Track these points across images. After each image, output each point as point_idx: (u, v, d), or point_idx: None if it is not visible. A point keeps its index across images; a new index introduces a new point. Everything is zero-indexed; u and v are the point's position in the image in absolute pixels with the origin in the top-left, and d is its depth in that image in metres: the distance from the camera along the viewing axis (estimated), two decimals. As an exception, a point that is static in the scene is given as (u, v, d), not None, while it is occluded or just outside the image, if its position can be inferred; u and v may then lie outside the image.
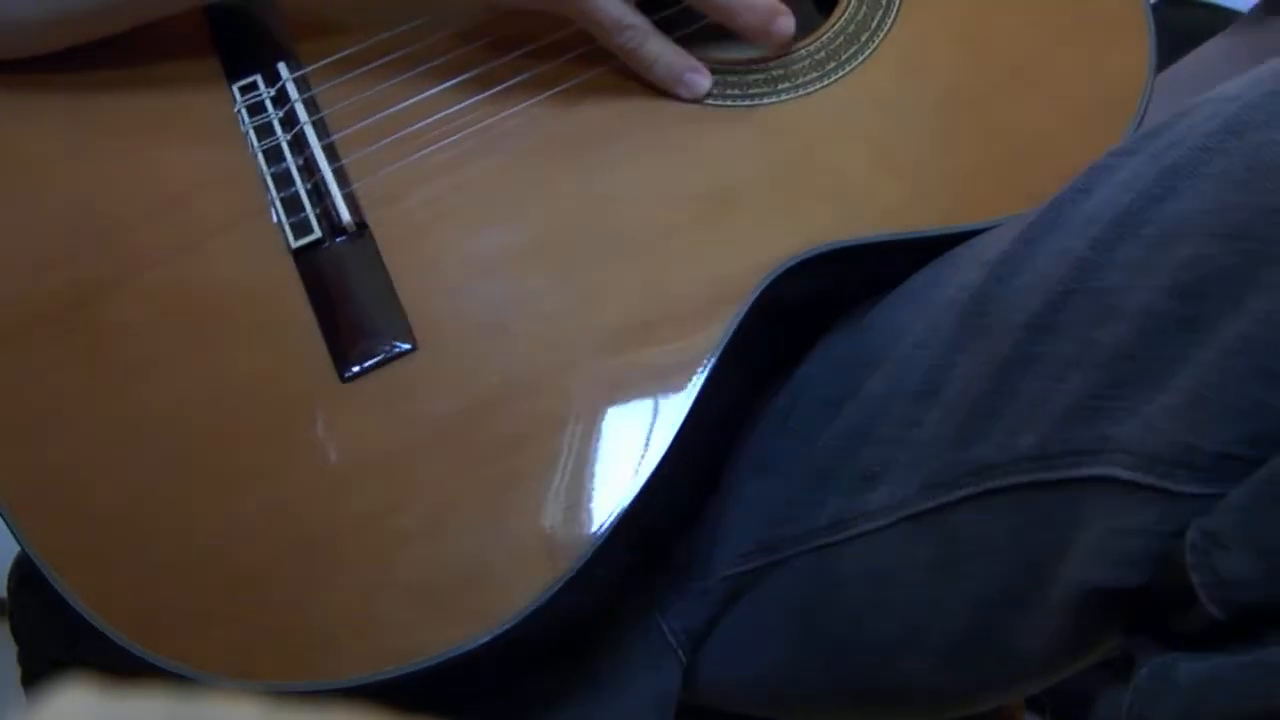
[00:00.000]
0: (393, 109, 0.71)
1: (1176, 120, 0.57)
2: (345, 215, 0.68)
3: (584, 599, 0.63)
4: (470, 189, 0.69)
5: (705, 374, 0.64)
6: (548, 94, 0.71)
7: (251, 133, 0.71)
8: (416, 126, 0.70)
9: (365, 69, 0.72)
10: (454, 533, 0.62)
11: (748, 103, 0.71)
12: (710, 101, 0.71)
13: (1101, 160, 0.59)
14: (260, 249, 0.68)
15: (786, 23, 0.70)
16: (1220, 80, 0.57)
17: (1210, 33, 0.86)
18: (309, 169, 0.69)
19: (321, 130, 0.70)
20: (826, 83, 0.71)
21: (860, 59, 0.72)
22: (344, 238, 0.68)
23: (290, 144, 0.70)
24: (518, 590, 0.60)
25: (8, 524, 0.63)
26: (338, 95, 0.71)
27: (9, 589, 0.77)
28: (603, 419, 0.63)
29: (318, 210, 0.68)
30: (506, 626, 0.59)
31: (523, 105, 0.71)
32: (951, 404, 0.61)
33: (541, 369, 0.64)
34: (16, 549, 0.68)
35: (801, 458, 0.68)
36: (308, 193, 0.69)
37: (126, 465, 0.64)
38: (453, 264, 0.68)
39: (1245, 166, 0.52)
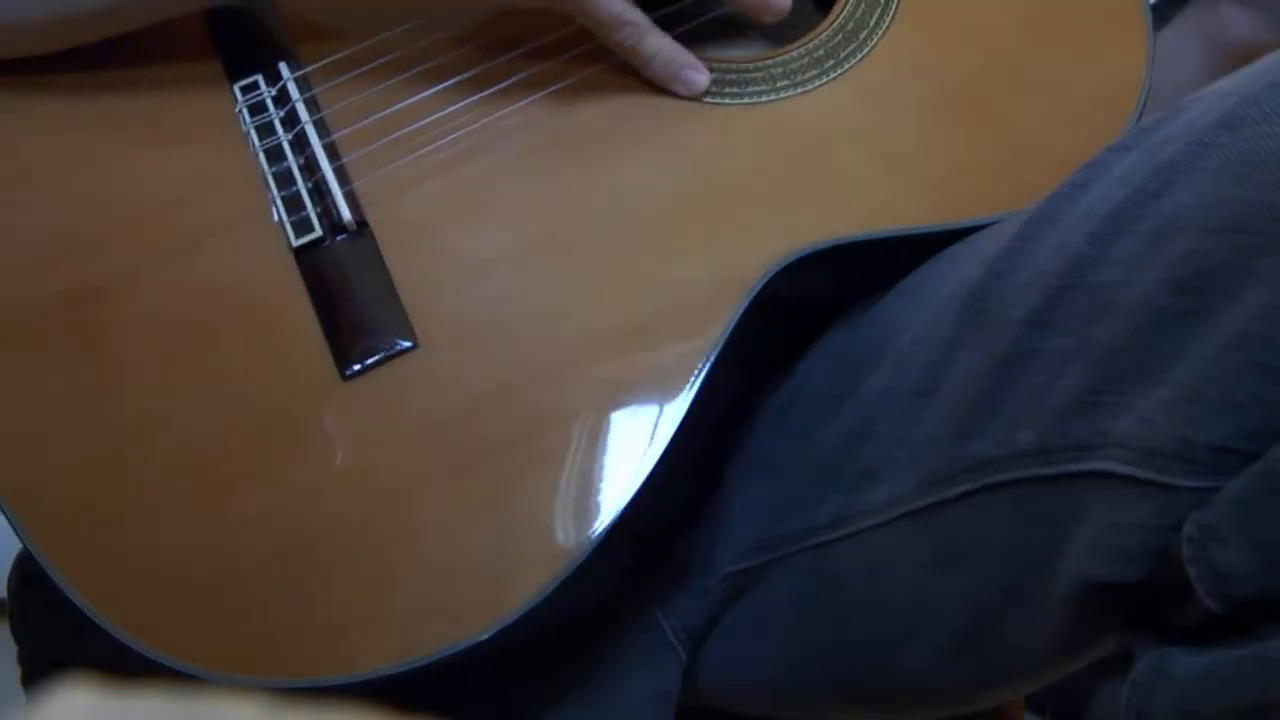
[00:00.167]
0: (393, 108, 0.71)
1: (1173, 115, 0.58)
2: (346, 214, 0.68)
3: (584, 597, 0.63)
4: (470, 187, 0.69)
5: (704, 372, 0.64)
6: (547, 92, 0.71)
7: (253, 132, 0.71)
8: (417, 125, 0.70)
9: (366, 68, 0.72)
10: (455, 530, 0.62)
11: (747, 100, 0.71)
12: (710, 99, 0.71)
13: (1099, 156, 0.59)
14: (261, 248, 0.68)
15: None
16: (1170, 71, 0.57)
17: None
18: (310, 168, 0.69)
19: (322, 129, 0.70)
20: (825, 80, 0.71)
21: (859, 57, 0.72)
22: (345, 236, 0.68)
23: (291, 143, 0.70)
24: (518, 587, 0.60)
25: (10, 522, 0.63)
26: (338, 95, 0.71)
27: (10, 589, 0.77)
28: (602, 417, 0.63)
29: (318, 209, 0.68)
30: (507, 624, 0.59)
31: (522, 103, 0.71)
32: (950, 400, 0.61)
33: (541, 367, 0.64)
34: (17, 549, 0.69)
35: (801, 456, 0.68)
36: (308, 191, 0.69)
37: (129, 463, 0.64)
38: (453, 262, 0.68)
39: (1241, 160, 0.52)
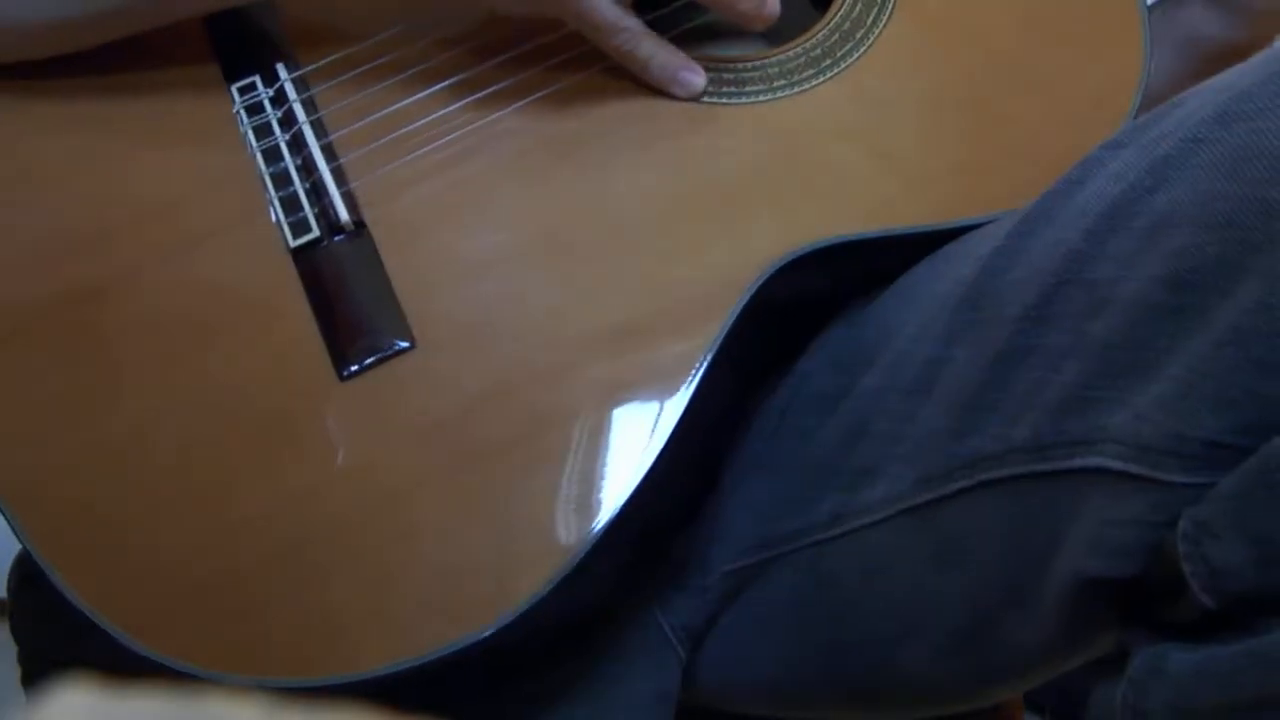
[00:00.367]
0: (390, 109, 0.71)
1: (1168, 111, 0.58)
2: (343, 214, 0.68)
3: (583, 596, 0.63)
4: (467, 188, 0.69)
5: (701, 372, 0.64)
6: (544, 93, 0.71)
7: (250, 133, 0.71)
8: (414, 126, 0.70)
9: (363, 69, 0.72)
10: (454, 529, 0.62)
11: (744, 100, 0.71)
12: (706, 99, 0.71)
13: (1094, 153, 0.59)
14: (259, 248, 0.68)
15: (775, 2, 0.70)
16: None
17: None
18: (307, 168, 0.70)
19: (320, 130, 0.71)
20: (822, 80, 0.71)
21: (855, 56, 0.72)
22: (342, 236, 0.68)
23: (289, 144, 0.70)
24: (517, 586, 0.60)
25: (9, 522, 0.63)
26: (336, 95, 0.72)
27: (9, 589, 0.77)
28: (600, 416, 0.64)
29: (316, 209, 0.68)
30: (506, 623, 0.60)
31: (520, 105, 0.71)
32: (946, 398, 0.61)
33: (538, 366, 0.65)
34: (17, 549, 0.69)
35: (798, 455, 0.68)
36: (306, 192, 0.69)
37: (128, 464, 0.64)
38: (450, 262, 0.68)
39: (1234, 156, 0.52)
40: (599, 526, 0.61)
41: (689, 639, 0.71)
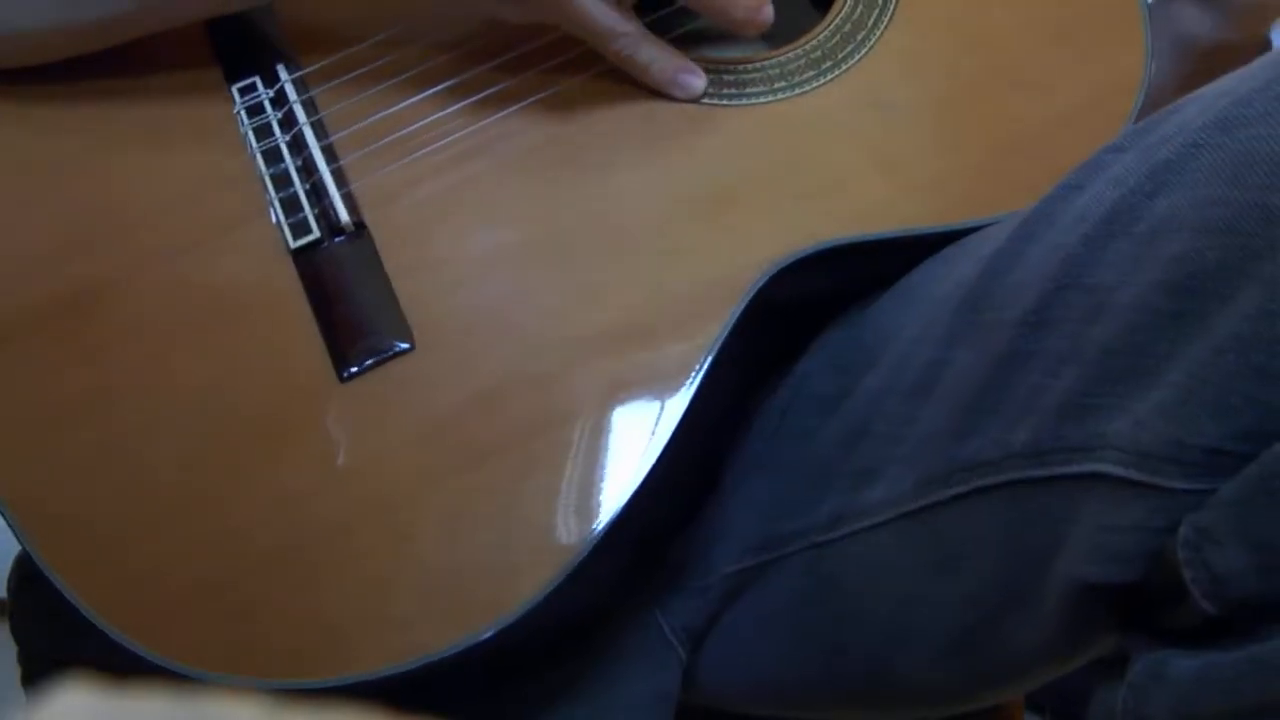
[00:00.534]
0: (391, 110, 0.71)
1: (1168, 116, 0.57)
2: (344, 215, 0.68)
3: (583, 596, 0.63)
4: (468, 189, 0.69)
5: (702, 373, 0.64)
6: (544, 95, 0.71)
7: (250, 134, 0.71)
8: (414, 127, 0.70)
9: (363, 71, 0.72)
10: (455, 529, 0.62)
11: (744, 101, 0.71)
12: (707, 101, 0.71)
13: (1094, 157, 0.59)
14: (259, 250, 0.68)
15: (769, 10, 0.70)
16: None
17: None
18: (307, 169, 0.70)
19: (320, 131, 0.70)
20: (823, 81, 0.71)
21: (856, 58, 0.72)
22: (342, 238, 0.68)
23: (289, 145, 0.70)
24: (518, 587, 0.60)
25: (8, 522, 0.63)
26: (336, 97, 0.72)
27: (9, 589, 0.77)
28: (600, 418, 0.63)
29: (316, 211, 0.68)
30: (506, 624, 0.60)
31: (520, 106, 0.71)
32: (946, 401, 0.61)
33: (539, 368, 0.65)
34: (17, 549, 0.69)
35: (799, 456, 0.68)
36: (306, 193, 0.69)
37: (127, 466, 0.64)
38: (451, 264, 0.68)
39: (1235, 162, 0.52)
40: (599, 528, 0.61)
41: (689, 640, 0.71)
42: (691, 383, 0.64)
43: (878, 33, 0.73)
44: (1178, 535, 0.52)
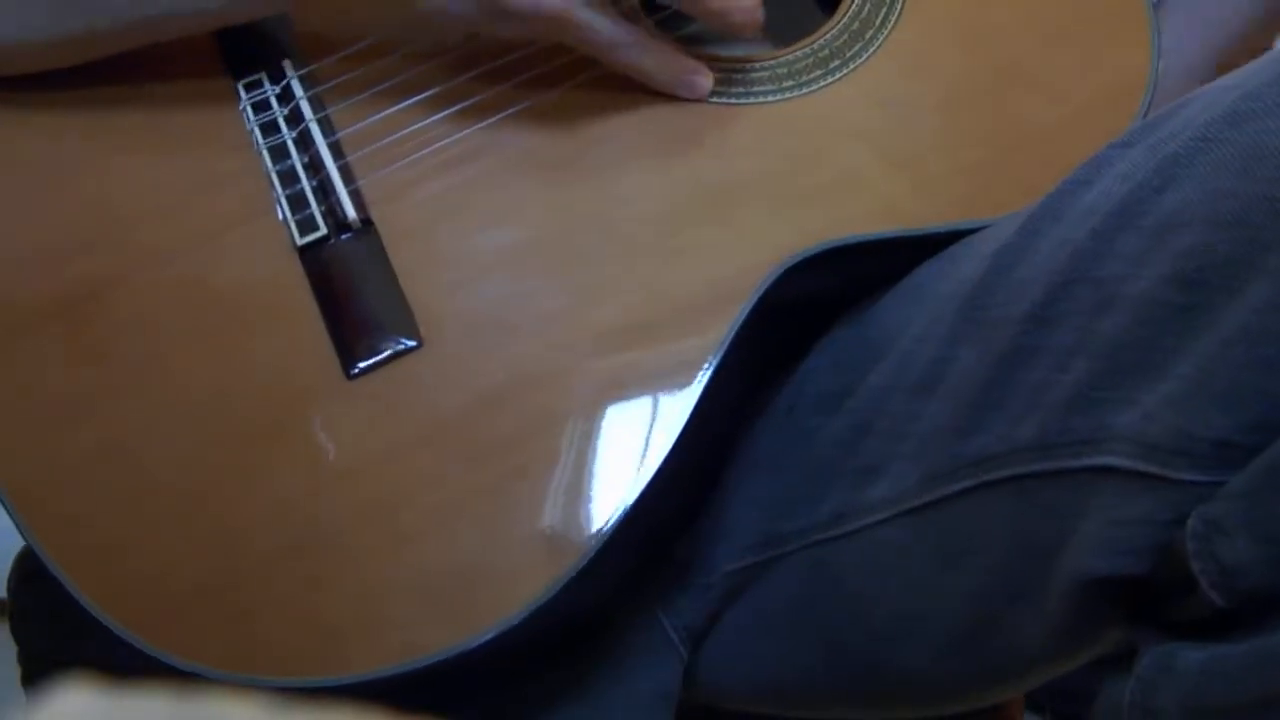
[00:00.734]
0: (398, 106, 0.71)
1: (1175, 111, 0.58)
2: (350, 212, 0.68)
3: (588, 596, 0.63)
4: (475, 186, 0.69)
5: (709, 372, 0.64)
6: (552, 94, 0.71)
7: (256, 130, 0.71)
8: (421, 124, 0.70)
9: (370, 66, 0.72)
10: (459, 529, 0.62)
11: (752, 101, 0.71)
12: (715, 100, 0.71)
13: (1101, 153, 0.59)
14: (266, 246, 0.68)
15: (762, 11, 0.70)
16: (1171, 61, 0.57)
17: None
18: (314, 166, 0.69)
19: (326, 127, 0.70)
20: (830, 80, 0.71)
21: (864, 57, 0.72)
22: (349, 235, 0.68)
23: (295, 141, 0.70)
24: (523, 587, 0.60)
25: (12, 518, 0.63)
26: (343, 93, 0.71)
27: (10, 588, 0.77)
28: (607, 416, 0.63)
29: (323, 207, 0.68)
30: (512, 623, 0.59)
31: (528, 104, 0.71)
32: (952, 397, 0.61)
33: (546, 366, 0.64)
34: (18, 549, 0.69)
35: (803, 453, 0.68)
36: (313, 190, 0.69)
37: (133, 462, 0.64)
38: (458, 261, 0.68)
39: (1244, 155, 0.52)
40: (606, 528, 0.61)
41: (690, 639, 0.71)
42: (698, 382, 0.63)
43: (885, 31, 0.72)
44: (1187, 527, 0.52)
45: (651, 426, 0.63)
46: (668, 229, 0.67)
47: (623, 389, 0.64)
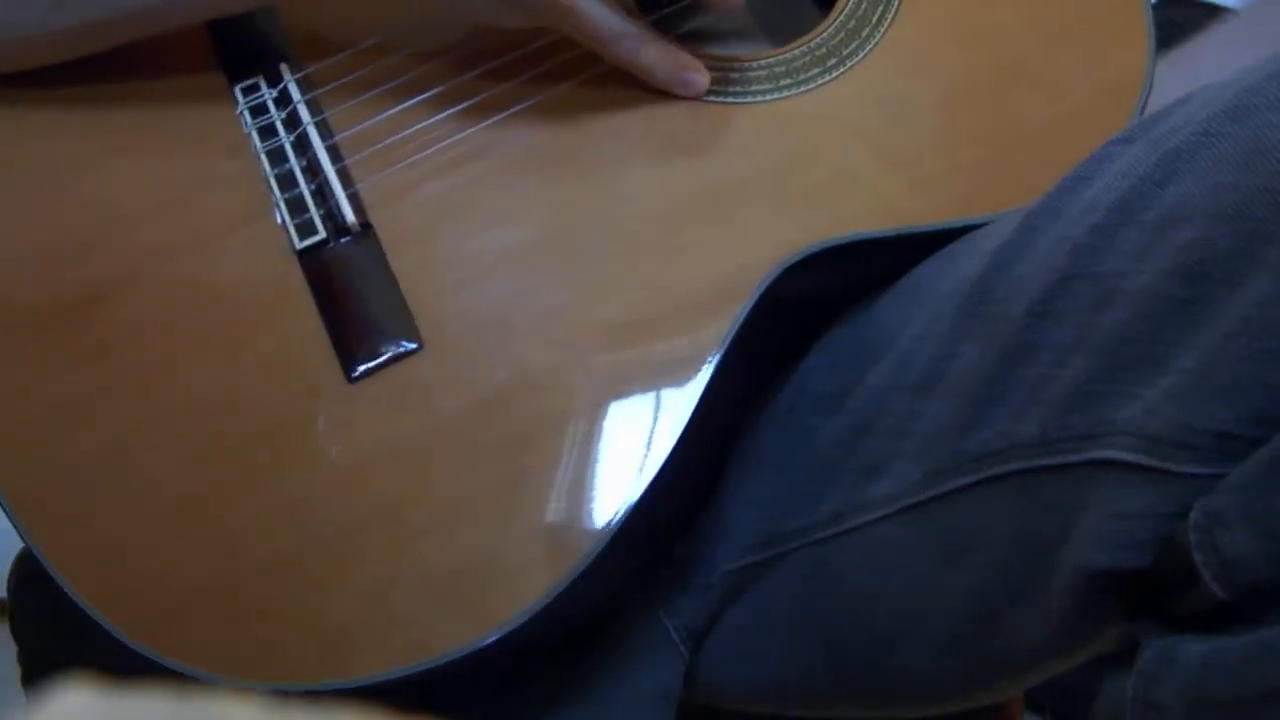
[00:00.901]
0: (396, 109, 0.71)
1: (1176, 107, 0.58)
2: (349, 216, 0.68)
3: (591, 595, 0.63)
4: (474, 188, 0.69)
5: (710, 370, 0.64)
6: (550, 94, 0.71)
7: (254, 134, 0.71)
8: (419, 127, 0.70)
9: (367, 70, 0.72)
10: (463, 530, 0.62)
11: (750, 99, 0.71)
12: (713, 98, 0.71)
13: (1102, 149, 0.59)
14: (265, 250, 0.68)
15: None
16: (1215, 71, 0.57)
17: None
18: (313, 170, 0.69)
19: (325, 131, 0.70)
20: (828, 78, 0.71)
21: (861, 55, 0.72)
22: (348, 238, 0.68)
23: (294, 145, 0.70)
24: (527, 587, 0.60)
25: (11, 520, 0.63)
26: (340, 96, 0.72)
27: (10, 589, 0.77)
28: (609, 416, 0.63)
29: (322, 211, 0.68)
30: (516, 624, 0.59)
31: (526, 105, 0.71)
32: (953, 394, 0.61)
33: (548, 366, 0.64)
34: (18, 549, 0.69)
35: (804, 452, 0.68)
36: (312, 194, 0.69)
37: (133, 465, 0.64)
38: (458, 263, 0.68)
39: (1245, 149, 0.52)
40: (608, 528, 0.61)
41: (691, 639, 0.71)
42: (699, 381, 0.64)
43: (882, 29, 0.73)
44: (1188, 520, 0.52)
45: (653, 425, 0.63)
46: (668, 227, 0.67)
47: (625, 387, 0.64)
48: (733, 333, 0.64)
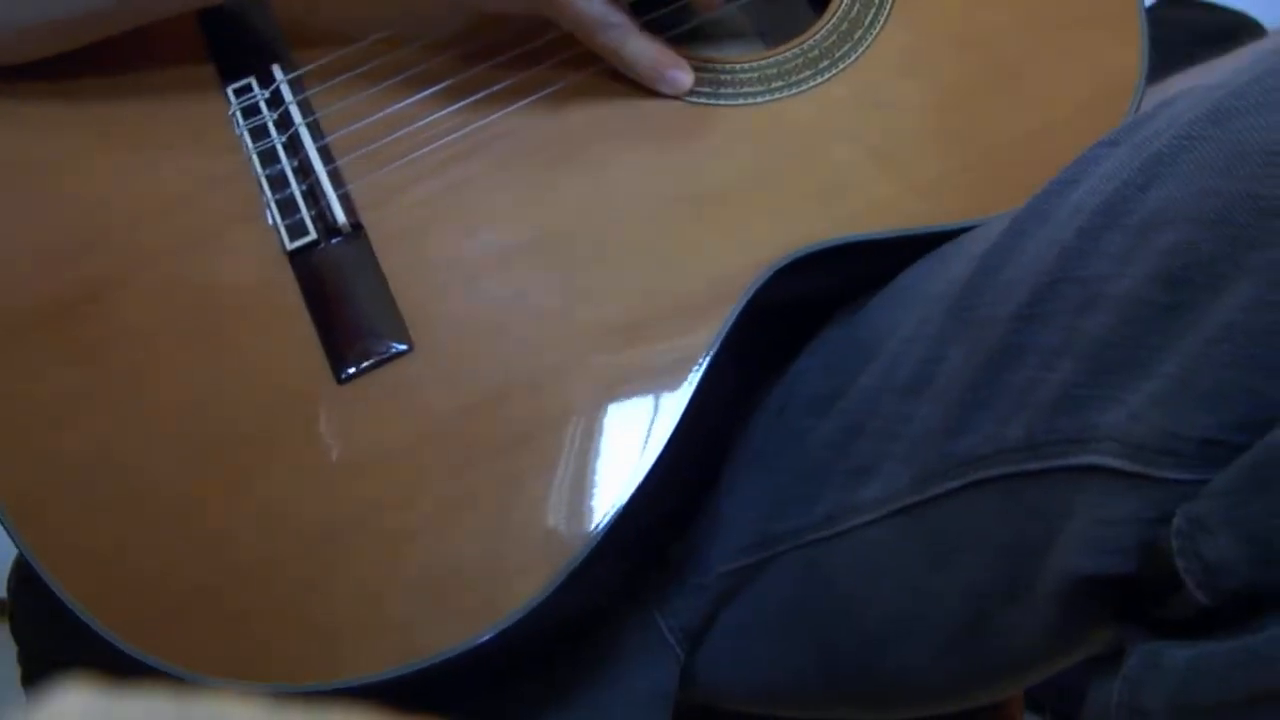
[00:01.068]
0: (387, 111, 0.71)
1: (1160, 110, 0.58)
2: (340, 217, 0.68)
3: (583, 596, 0.63)
4: (465, 190, 0.69)
5: (701, 372, 0.64)
6: (540, 95, 0.71)
7: (246, 135, 0.71)
8: (411, 128, 0.70)
9: (359, 71, 0.72)
10: (454, 531, 0.62)
11: (742, 101, 0.71)
12: (705, 100, 0.71)
13: (1088, 152, 0.59)
14: (256, 251, 0.68)
15: None
16: None
17: (1209, 31, 0.86)
18: (304, 171, 0.70)
19: (316, 132, 0.70)
20: (820, 81, 0.71)
21: (853, 57, 0.72)
22: (339, 239, 0.68)
23: (285, 146, 0.70)
24: (518, 588, 0.60)
25: (5, 525, 0.63)
26: (332, 97, 0.72)
27: (9, 589, 0.77)
28: (600, 417, 0.63)
29: (313, 212, 0.68)
30: (506, 625, 0.60)
31: (515, 107, 0.71)
32: (941, 397, 0.61)
33: (538, 368, 0.65)
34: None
35: (795, 454, 0.68)
36: (303, 194, 0.69)
37: (124, 467, 0.64)
38: (448, 264, 0.68)
39: (1228, 153, 0.52)
40: (598, 529, 0.61)
41: (687, 639, 0.71)
42: (690, 382, 0.64)
43: (875, 31, 0.73)
44: (1171, 526, 0.52)
45: (645, 425, 0.63)
46: (658, 230, 0.68)
47: (615, 388, 0.64)
48: (724, 334, 0.64)
